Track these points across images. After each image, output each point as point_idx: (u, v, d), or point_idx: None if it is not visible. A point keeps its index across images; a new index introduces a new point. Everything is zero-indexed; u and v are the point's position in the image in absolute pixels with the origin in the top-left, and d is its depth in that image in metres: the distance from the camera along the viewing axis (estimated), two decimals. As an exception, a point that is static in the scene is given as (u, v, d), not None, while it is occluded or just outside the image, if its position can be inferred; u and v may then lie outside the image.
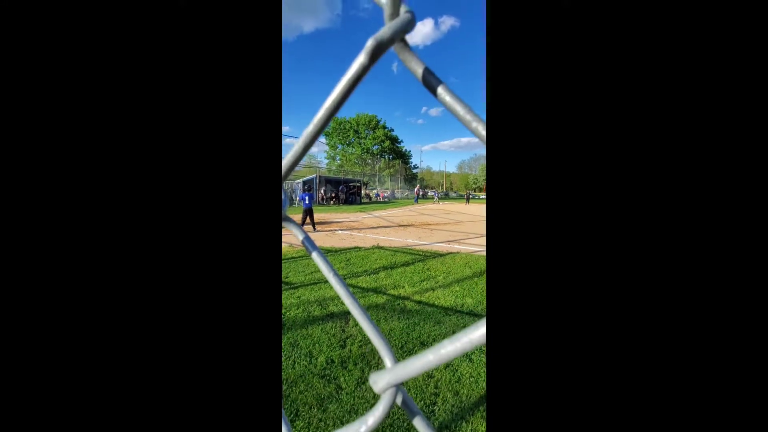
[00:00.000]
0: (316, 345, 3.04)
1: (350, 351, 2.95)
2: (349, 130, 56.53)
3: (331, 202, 24.88)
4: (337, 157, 56.42)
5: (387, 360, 0.31)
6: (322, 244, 7.90)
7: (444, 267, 5.78)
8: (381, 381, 0.29)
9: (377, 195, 36.39)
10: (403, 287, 4.72)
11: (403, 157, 60.91)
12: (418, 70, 0.29)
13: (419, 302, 4.17)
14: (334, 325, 3.45)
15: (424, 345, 3.06)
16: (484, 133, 0.27)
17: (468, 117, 0.28)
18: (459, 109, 0.29)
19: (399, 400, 0.32)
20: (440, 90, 0.29)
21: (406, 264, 6.03)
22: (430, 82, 0.29)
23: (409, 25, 0.27)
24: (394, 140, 58.96)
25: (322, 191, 24.61)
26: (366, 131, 56.91)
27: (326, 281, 4.29)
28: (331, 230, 10.56)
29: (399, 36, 0.27)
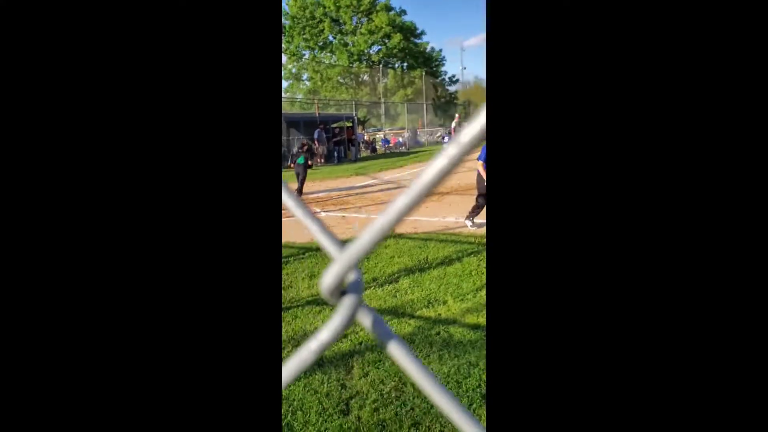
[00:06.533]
0: (299, 413, 1.82)
1: (358, 419, 1.77)
2: (322, 21, 27.16)
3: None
4: (305, 75, 28.46)
5: (333, 252, 0.23)
6: (292, 237, 4.43)
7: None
8: (328, 277, 0.22)
9: (385, 141, 20.22)
10: (445, 303, 2.81)
11: (430, 62, 29.47)
12: None
13: (475, 327, 2.43)
14: (326, 378, 2.03)
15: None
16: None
17: None
18: None
19: (368, 323, 0.25)
20: None
21: (447, 261, 3.63)
22: None
23: None
24: (410, 32, 28.63)
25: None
26: (353, 19, 27.35)
27: (322, 309, 2.76)
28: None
29: None
